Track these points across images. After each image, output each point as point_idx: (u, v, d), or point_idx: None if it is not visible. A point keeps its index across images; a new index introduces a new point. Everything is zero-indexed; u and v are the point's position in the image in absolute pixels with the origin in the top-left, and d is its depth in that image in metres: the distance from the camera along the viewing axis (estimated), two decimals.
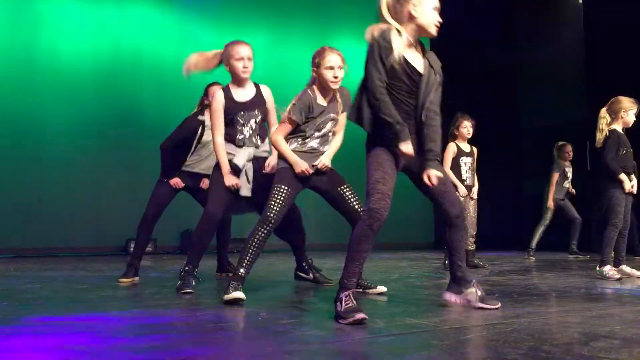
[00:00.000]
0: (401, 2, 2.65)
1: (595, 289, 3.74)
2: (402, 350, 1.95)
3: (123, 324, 2.52)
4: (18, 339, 2.18)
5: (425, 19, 2.64)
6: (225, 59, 3.61)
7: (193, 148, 4.37)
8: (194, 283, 3.58)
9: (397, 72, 2.60)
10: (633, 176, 4.46)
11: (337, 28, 10.15)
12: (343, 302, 2.48)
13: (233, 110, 3.53)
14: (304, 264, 4.01)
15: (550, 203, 6.96)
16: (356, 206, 3.35)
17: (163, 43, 8.78)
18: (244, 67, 3.53)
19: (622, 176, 4.36)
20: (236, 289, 3.00)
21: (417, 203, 9.87)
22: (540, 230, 6.98)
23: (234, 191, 3.52)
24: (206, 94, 4.38)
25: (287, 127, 3.29)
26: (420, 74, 2.66)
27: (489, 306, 2.79)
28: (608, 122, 4.48)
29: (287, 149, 3.27)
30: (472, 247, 5.48)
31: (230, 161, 3.51)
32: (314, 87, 3.33)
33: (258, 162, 3.58)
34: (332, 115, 3.36)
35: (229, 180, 3.45)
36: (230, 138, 3.57)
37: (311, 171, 3.24)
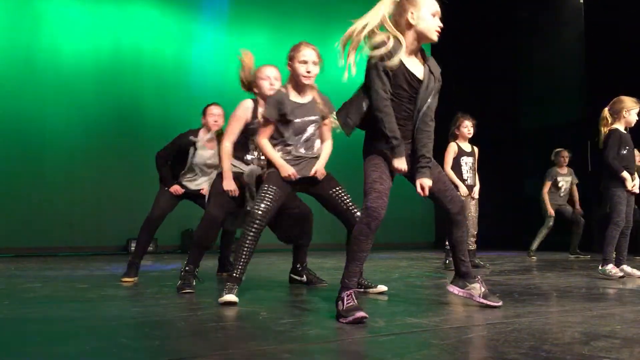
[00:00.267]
0: (400, 10, 2.65)
1: (596, 288, 3.74)
2: (403, 350, 1.94)
3: (123, 324, 2.52)
4: (18, 339, 2.19)
5: (425, 25, 2.64)
6: (254, 81, 3.66)
7: (187, 166, 4.35)
8: (194, 283, 3.59)
9: (398, 79, 2.61)
10: (635, 175, 4.46)
11: (338, 28, 10.11)
12: (344, 301, 2.49)
13: (253, 128, 3.57)
14: (298, 266, 4.02)
15: (550, 210, 6.93)
16: (350, 207, 3.33)
17: (163, 43, 8.79)
18: (271, 84, 3.57)
19: (625, 174, 4.35)
20: (231, 291, 3.01)
21: (417, 203, 9.90)
22: (543, 233, 6.96)
23: (237, 201, 3.55)
24: (204, 114, 4.35)
25: (267, 128, 3.25)
26: (420, 81, 2.66)
27: (490, 303, 2.81)
28: (609, 122, 4.48)
29: (273, 151, 3.24)
30: (473, 246, 5.48)
31: (239, 173, 3.56)
32: (288, 84, 3.30)
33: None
34: (312, 118, 3.28)
35: (229, 184, 3.48)
36: (239, 156, 3.65)
37: (297, 176, 3.19)
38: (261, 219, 3.04)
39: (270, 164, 3.26)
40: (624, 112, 4.43)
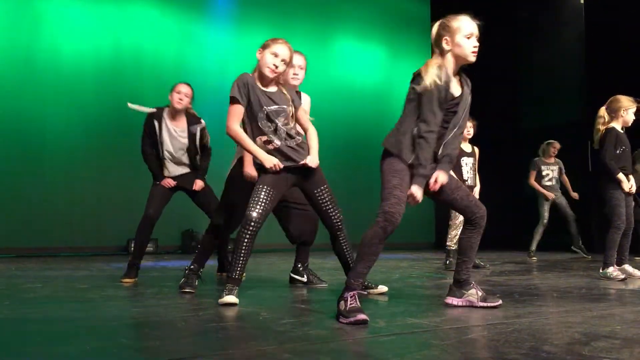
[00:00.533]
0: (437, 37, 2.77)
1: (597, 289, 3.74)
2: (403, 350, 1.95)
3: (124, 324, 2.52)
4: (19, 339, 2.19)
5: (460, 50, 2.73)
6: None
7: (158, 145, 4.29)
8: (196, 283, 3.59)
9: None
10: (631, 176, 4.45)
11: (338, 28, 10.16)
12: (347, 301, 2.50)
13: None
14: (299, 266, 4.01)
15: (547, 194, 6.93)
16: (329, 209, 3.24)
17: (163, 43, 8.79)
18: (294, 74, 3.55)
19: (620, 176, 4.34)
20: (231, 292, 3.00)
21: (419, 204, 9.91)
22: (539, 231, 6.98)
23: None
24: (171, 90, 4.32)
25: (235, 111, 3.04)
26: (457, 102, 2.75)
27: (491, 304, 2.82)
28: (606, 121, 4.47)
29: (251, 142, 3.06)
30: None
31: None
32: (254, 73, 3.15)
33: None
34: (283, 106, 3.12)
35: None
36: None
37: (281, 166, 3.05)
38: (257, 220, 3.00)
39: (256, 161, 3.14)
40: (621, 112, 4.42)
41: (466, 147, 5.51)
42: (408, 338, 2.17)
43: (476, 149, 5.58)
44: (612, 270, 4.32)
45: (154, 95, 8.40)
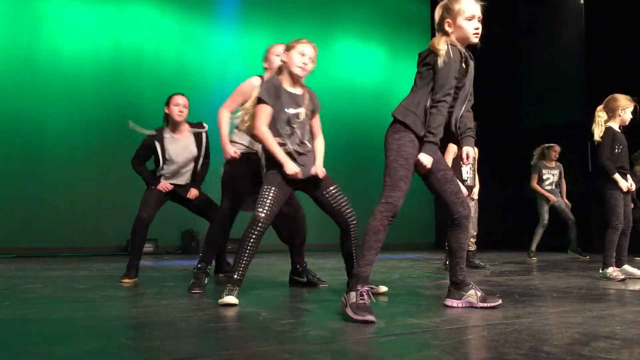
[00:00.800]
0: (440, 19, 2.80)
1: (596, 289, 3.74)
2: (403, 351, 1.95)
3: (124, 324, 2.52)
4: (18, 339, 2.19)
5: (461, 32, 2.76)
6: (266, 58, 3.68)
7: (161, 164, 4.29)
8: (206, 281, 3.60)
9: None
10: (629, 176, 4.45)
11: (338, 28, 10.17)
12: (358, 295, 2.53)
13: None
14: (298, 267, 4.00)
15: (550, 197, 6.94)
16: (343, 209, 3.26)
17: (164, 42, 8.80)
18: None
19: (617, 176, 4.33)
20: (231, 293, 2.99)
21: (418, 203, 9.91)
22: (539, 232, 6.98)
23: (249, 187, 3.55)
24: (167, 103, 4.30)
25: (264, 112, 3.08)
26: (464, 75, 2.79)
27: (491, 304, 2.81)
28: (604, 120, 4.47)
29: (276, 145, 3.07)
30: (472, 247, 5.49)
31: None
32: (280, 75, 3.23)
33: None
34: (304, 110, 3.18)
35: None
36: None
37: (300, 176, 3.08)
38: (264, 222, 3.01)
39: (270, 160, 3.14)
40: (619, 111, 4.42)
41: None
42: (408, 338, 2.17)
43: (476, 149, 5.57)
44: (612, 271, 4.32)
45: (154, 95, 8.43)
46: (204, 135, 4.37)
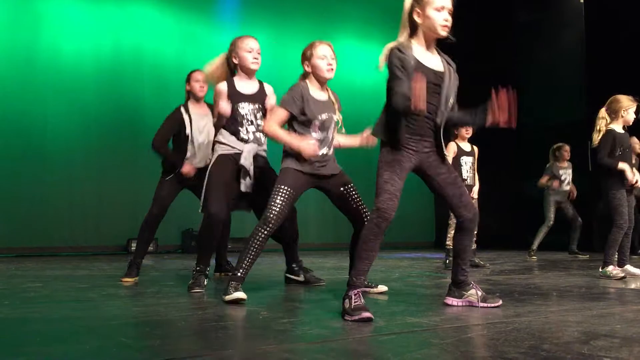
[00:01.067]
0: (410, 8, 2.75)
1: (596, 288, 3.74)
2: (403, 349, 1.95)
3: (124, 323, 2.52)
4: (18, 339, 2.19)
5: (430, 22, 2.69)
6: (233, 52, 3.62)
7: (188, 133, 4.24)
8: (205, 282, 3.59)
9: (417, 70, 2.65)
10: (635, 171, 4.44)
11: (338, 28, 10.16)
12: (352, 299, 2.52)
13: (234, 99, 3.52)
14: (293, 265, 3.98)
15: (554, 183, 6.94)
16: (360, 206, 3.30)
17: (164, 42, 8.80)
18: (254, 58, 3.55)
19: (621, 165, 4.30)
20: (236, 289, 3.00)
21: (419, 203, 9.91)
22: (543, 232, 6.97)
23: (238, 188, 3.51)
24: (188, 80, 4.38)
25: (280, 114, 3.14)
26: (441, 73, 2.73)
27: (491, 305, 2.81)
28: (607, 122, 4.46)
29: (287, 135, 3.14)
30: (473, 246, 5.48)
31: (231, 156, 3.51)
32: (307, 80, 3.27)
33: (257, 159, 3.58)
34: (333, 115, 3.28)
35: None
36: (232, 132, 3.55)
37: (319, 152, 3.13)
38: (275, 222, 3.03)
39: (286, 154, 3.17)
40: (622, 112, 4.41)
41: (466, 146, 5.51)
42: (408, 337, 2.17)
43: (476, 148, 5.58)
44: (612, 269, 4.32)
45: (154, 95, 8.45)
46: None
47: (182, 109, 4.32)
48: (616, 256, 4.41)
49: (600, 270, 4.41)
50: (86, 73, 8.16)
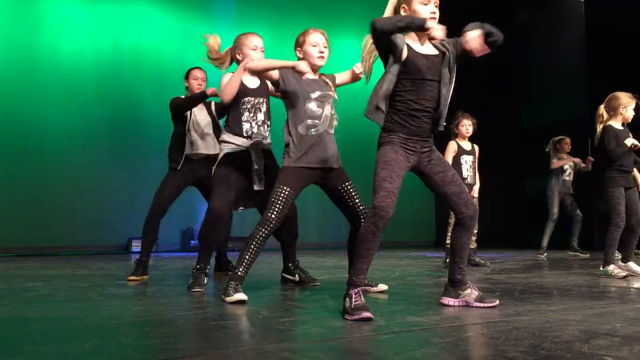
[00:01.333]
0: (397, 6, 2.75)
1: (597, 286, 3.73)
2: (403, 348, 1.95)
3: (124, 323, 2.52)
4: (19, 338, 2.19)
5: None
6: (237, 49, 3.62)
7: (188, 124, 4.31)
8: (205, 281, 3.59)
9: (416, 64, 2.65)
10: (636, 172, 4.45)
11: (338, 27, 10.14)
12: (352, 299, 2.53)
13: (241, 93, 3.52)
14: (290, 265, 3.98)
15: (570, 160, 6.94)
16: (358, 205, 3.30)
17: (164, 41, 8.79)
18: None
19: (628, 141, 4.33)
20: (236, 290, 2.99)
21: (419, 202, 9.91)
22: (549, 227, 6.96)
23: (245, 186, 3.50)
24: (187, 77, 4.47)
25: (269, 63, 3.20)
26: (434, 55, 2.72)
27: (488, 304, 2.80)
28: (605, 119, 4.47)
29: (271, 60, 3.18)
30: (473, 245, 5.48)
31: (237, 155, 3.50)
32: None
33: (263, 155, 3.56)
34: (328, 92, 3.28)
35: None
36: (237, 127, 3.53)
37: (309, 70, 3.10)
38: (275, 222, 3.03)
39: (286, 152, 3.17)
40: (620, 109, 4.42)
41: (466, 145, 5.50)
42: (407, 336, 2.17)
43: (476, 147, 5.58)
44: (613, 268, 4.32)
45: (154, 94, 8.45)
46: (212, 104, 4.47)
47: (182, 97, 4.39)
48: (617, 254, 4.41)
49: (601, 269, 4.41)
50: (86, 72, 8.17)
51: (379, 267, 5.33)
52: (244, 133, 3.53)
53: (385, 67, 2.71)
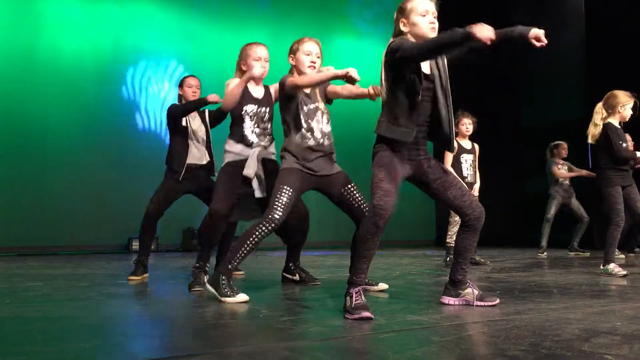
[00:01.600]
0: (396, 21, 2.75)
1: (597, 285, 3.73)
2: (403, 347, 1.95)
3: (124, 322, 2.52)
4: (19, 337, 2.19)
5: (417, 29, 2.70)
6: (242, 59, 3.61)
7: (188, 131, 4.31)
8: (205, 280, 3.58)
9: (414, 80, 2.65)
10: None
11: (337, 26, 10.16)
12: (353, 298, 2.53)
13: (243, 101, 3.52)
14: (290, 265, 3.98)
15: (577, 172, 6.97)
16: (362, 206, 3.29)
17: (164, 41, 8.79)
18: (262, 67, 3.55)
19: (638, 153, 4.38)
20: (231, 288, 2.97)
21: (419, 201, 9.88)
22: (545, 227, 6.96)
23: (248, 194, 3.49)
24: (181, 85, 4.45)
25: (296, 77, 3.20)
26: (431, 76, 2.72)
27: (488, 303, 2.80)
28: (604, 117, 4.47)
29: (313, 74, 3.19)
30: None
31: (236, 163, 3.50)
32: (291, 74, 3.30)
33: (266, 165, 3.53)
34: (319, 105, 3.29)
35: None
36: (239, 136, 3.53)
37: (355, 75, 3.02)
38: (278, 222, 3.02)
39: (285, 154, 3.19)
40: (619, 107, 4.42)
41: (466, 144, 5.50)
42: (408, 335, 2.17)
43: (476, 146, 5.58)
44: (613, 267, 4.32)
45: (154, 94, 8.46)
46: (207, 113, 4.47)
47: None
48: (617, 253, 4.41)
49: (601, 267, 4.41)
50: (86, 72, 8.17)
51: (379, 266, 5.33)
52: (246, 142, 3.52)
53: (382, 80, 2.71)
